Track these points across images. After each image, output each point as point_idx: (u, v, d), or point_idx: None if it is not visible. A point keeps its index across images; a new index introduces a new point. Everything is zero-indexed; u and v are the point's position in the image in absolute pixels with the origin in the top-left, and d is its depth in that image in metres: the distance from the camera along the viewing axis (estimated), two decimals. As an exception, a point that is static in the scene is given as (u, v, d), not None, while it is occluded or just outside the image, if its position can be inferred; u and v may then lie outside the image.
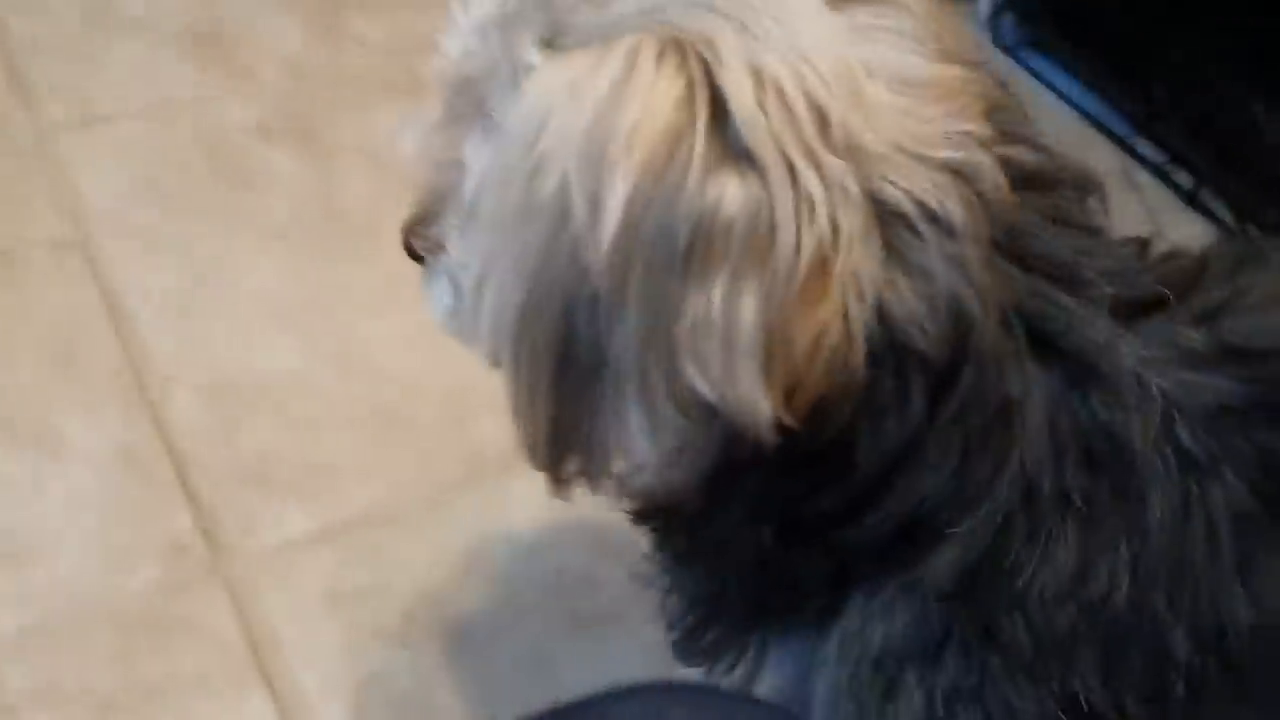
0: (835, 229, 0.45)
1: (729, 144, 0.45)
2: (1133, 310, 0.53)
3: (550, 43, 0.49)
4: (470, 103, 0.53)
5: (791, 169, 0.44)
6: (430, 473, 0.98)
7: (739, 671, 0.62)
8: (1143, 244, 0.58)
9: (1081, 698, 0.54)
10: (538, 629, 0.90)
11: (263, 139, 1.20)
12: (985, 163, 0.48)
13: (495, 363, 0.53)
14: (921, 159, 0.47)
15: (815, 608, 0.57)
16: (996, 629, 0.54)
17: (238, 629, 0.89)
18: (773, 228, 0.44)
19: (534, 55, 0.49)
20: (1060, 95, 1.46)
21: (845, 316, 0.46)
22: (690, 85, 0.45)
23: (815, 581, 0.56)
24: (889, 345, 0.48)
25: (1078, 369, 0.52)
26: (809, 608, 0.58)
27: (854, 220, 0.46)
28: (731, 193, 0.44)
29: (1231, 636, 0.53)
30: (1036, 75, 1.47)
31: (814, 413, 0.48)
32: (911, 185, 0.47)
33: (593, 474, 0.53)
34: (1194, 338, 0.53)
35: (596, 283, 0.46)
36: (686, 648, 0.63)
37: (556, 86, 0.46)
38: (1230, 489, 0.52)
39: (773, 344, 0.46)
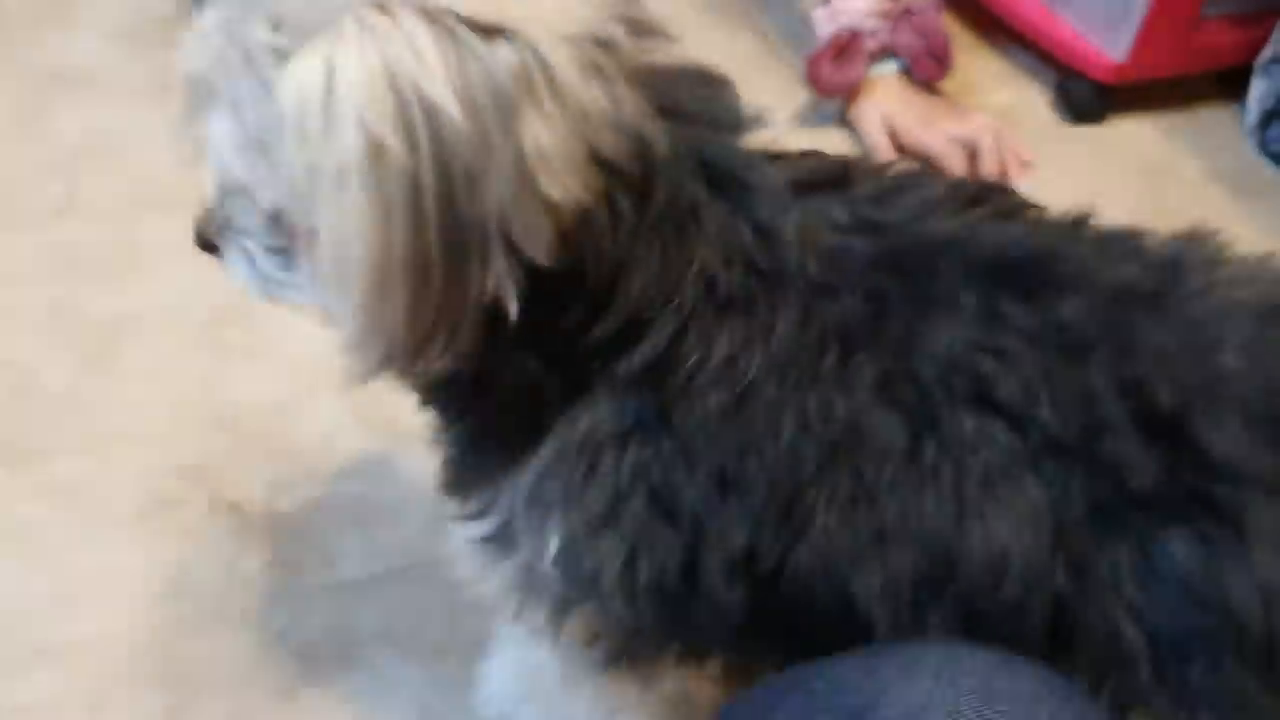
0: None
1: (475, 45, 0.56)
2: (798, 189, 0.66)
3: (278, 26, 0.58)
4: (204, 93, 0.62)
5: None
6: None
7: (478, 505, 0.73)
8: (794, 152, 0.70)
9: (728, 476, 0.65)
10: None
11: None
12: (619, 34, 0.60)
13: (335, 303, 0.62)
14: (571, 35, 0.59)
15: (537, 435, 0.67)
16: (669, 414, 0.65)
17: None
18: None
19: (269, 35, 0.58)
20: (1324, 202, 1.50)
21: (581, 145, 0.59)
22: (432, 27, 0.56)
23: (554, 397, 0.66)
24: (602, 167, 0.60)
25: (738, 189, 0.64)
26: (540, 432, 0.67)
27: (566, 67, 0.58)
28: (502, 57, 0.56)
29: (825, 426, 0.64)
30: (1302, 182, 1.52)
31: (564, 242, 0.60)
32: (573, 53, 0.58)
33: (411, 367, 0.64)
34: (840, 212, 0.66)
35: (455, 171, 0.56)
36: (449, 487, 0.75)
37: (320, 64, 0.56)
38: (845, 308, 0.64)
39: (551, 163, 0.57)
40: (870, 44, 1.45)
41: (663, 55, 0.64)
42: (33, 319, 1.23)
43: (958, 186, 0.69)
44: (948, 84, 1.55)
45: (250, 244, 0.69)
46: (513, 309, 0.60)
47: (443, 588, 1.04)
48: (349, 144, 0.56)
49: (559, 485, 0.68)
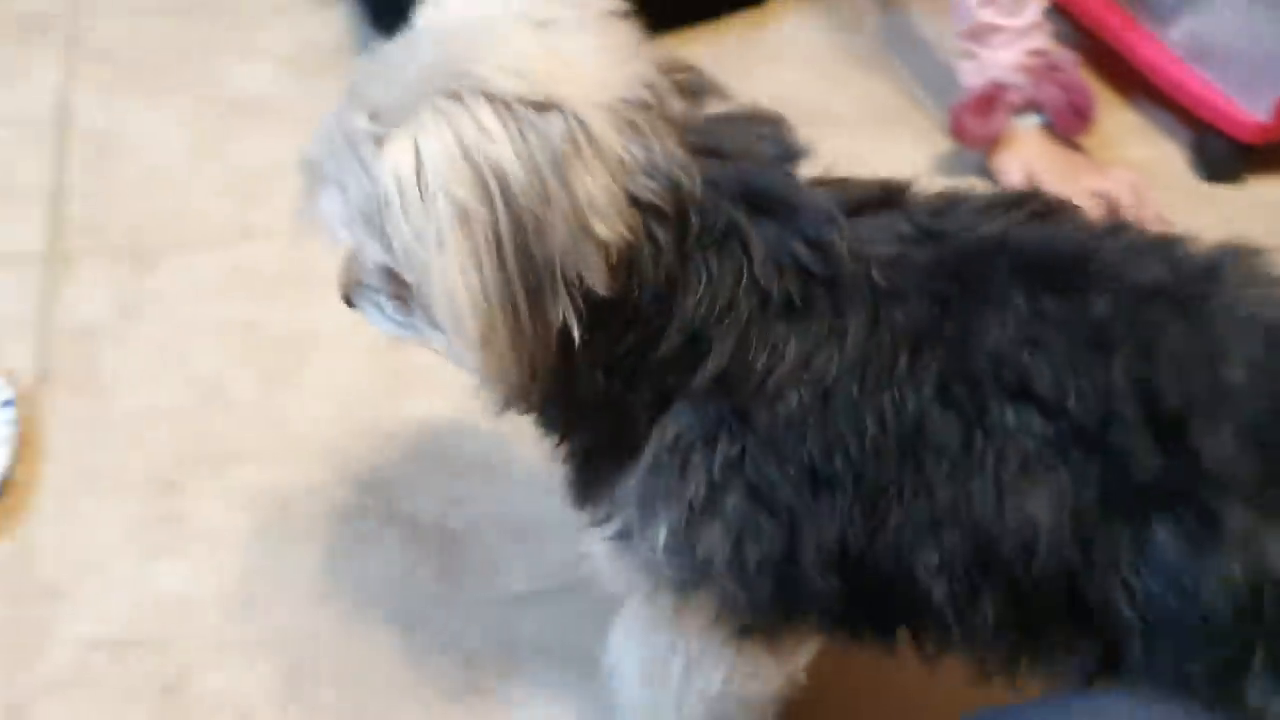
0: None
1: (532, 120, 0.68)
2: (856, 208, 0.75)
3: (374, 116, 0.70)
4: (317, 176, 0.74)
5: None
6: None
7: (603, 511, 0.81)
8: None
9: (819, 474, 0.72)
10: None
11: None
12: (659, 89, 0.71)
13: (453, 344, 0.72)
14: (608, 101, 0.70)
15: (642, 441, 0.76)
16: (749, 415, 0.72)
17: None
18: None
19: (367, 124, 0.70)
20: None
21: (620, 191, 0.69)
22: (495, 107, 0.67)
23: (642, 411, 0.75)
24: (638, 207, 0.69)
25: (784, 209, 0.73)
26: (640, 442, 0.76)
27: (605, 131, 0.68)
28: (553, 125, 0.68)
29: (899, 424, 0.71)
30: None
31: (617, 273, 0.69)
32: (612, 116, 0.69)
33: (525, 395, 0.75)
34: (903, 225, 0.74)
35: (525, 221, 0.67)
36: (574, 500, 0.83)
37: (409, 147, 0.67)
38: (912, 312, 0.72)
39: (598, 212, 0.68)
40: (1014, 97, 1.49)
41: (715, 106, 0.75)
42: (218, 335, 1.32)
43: (999, 194, 0.79)
44: (1085, 138, 1.58)
45: (376, 296, 0.80)
46: (577, 334, 0.70)
47: (600, 603, 1.10)
48: (441, 211, 0.67)
49: (660, 484, 0.76)
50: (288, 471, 1.19)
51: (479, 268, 0.67)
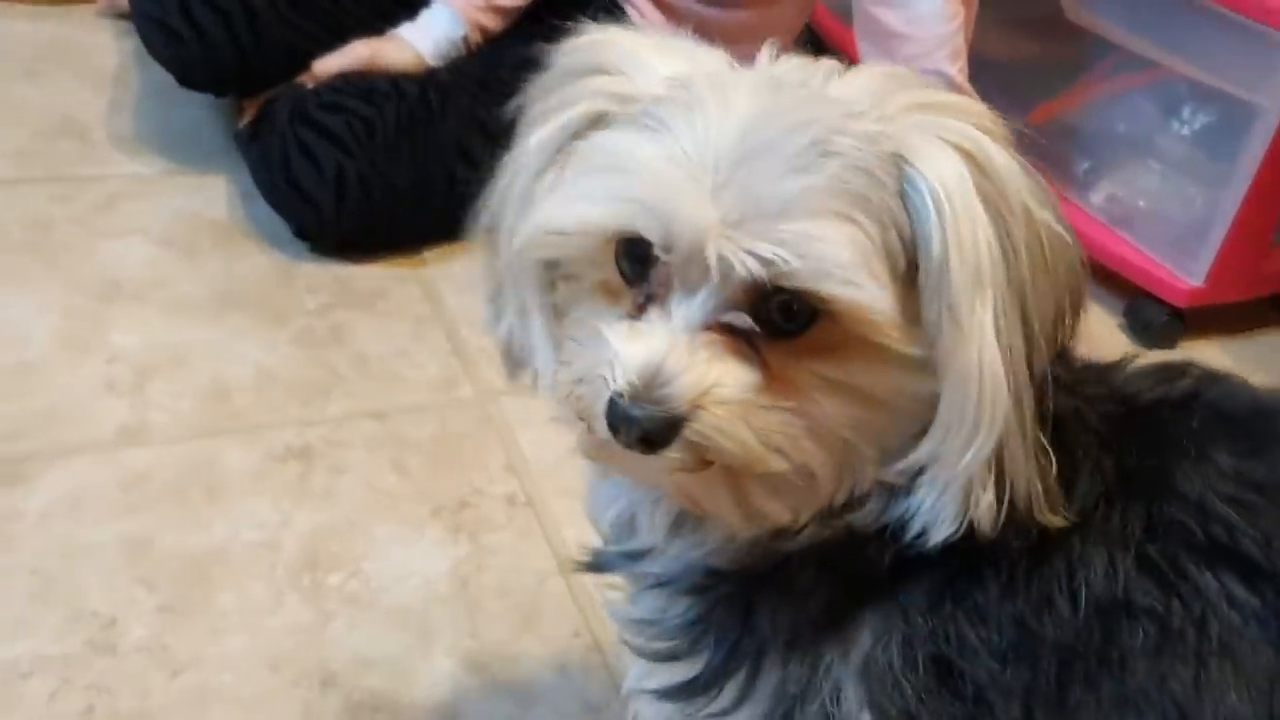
0: None
1: None
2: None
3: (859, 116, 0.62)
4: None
5: None
6: None
7: (726, 698, 0.68)
8: None
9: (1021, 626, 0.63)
10: None
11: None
12: None
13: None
14: None
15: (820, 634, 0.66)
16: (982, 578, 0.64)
17: None
18: None
19: (873, 124, 0.61)
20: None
21: None
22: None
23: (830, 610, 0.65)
24: None
25: None
26: (816, 635, 0.66)
27: None
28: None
29: (1106, 579, 0.63)
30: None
31: None
32: None
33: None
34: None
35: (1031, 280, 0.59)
36: (701, 687, 0.69)
37: (955, 164, 0.59)
38: (1114, 466, 0.65)
39: None
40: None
41: None
42: (107, 559, 1.12)
43: (1156, 363, 0.72)
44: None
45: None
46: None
47: None
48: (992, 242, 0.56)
49: (883, 662, 0.64)
50: (199, 730, 1.00)
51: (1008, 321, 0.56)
